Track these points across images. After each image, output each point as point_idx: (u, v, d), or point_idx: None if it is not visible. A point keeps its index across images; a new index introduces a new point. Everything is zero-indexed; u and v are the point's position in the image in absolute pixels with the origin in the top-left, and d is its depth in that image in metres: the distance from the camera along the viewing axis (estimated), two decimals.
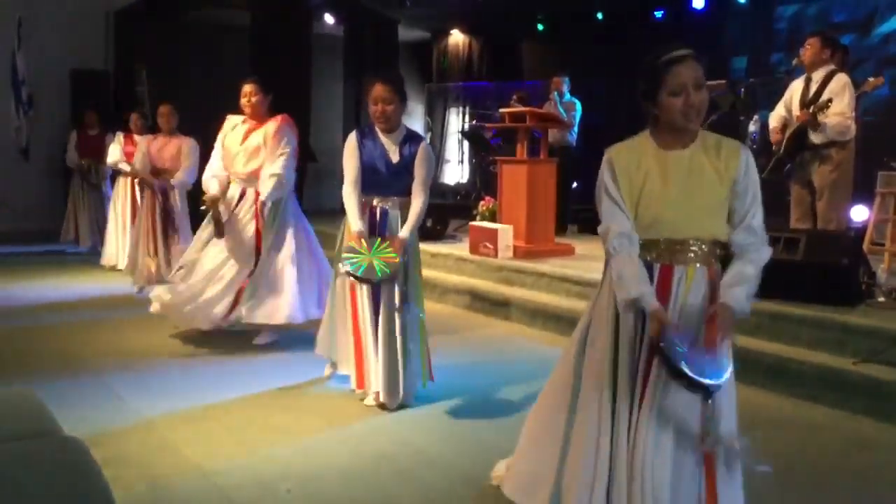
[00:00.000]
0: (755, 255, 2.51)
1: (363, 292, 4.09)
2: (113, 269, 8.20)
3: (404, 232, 4.07)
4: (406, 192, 4.13)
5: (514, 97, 9.36)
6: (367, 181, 4.12)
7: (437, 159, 14.04)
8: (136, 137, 7.96)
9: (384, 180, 4.11)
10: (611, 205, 2.55)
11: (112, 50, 11.79)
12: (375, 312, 4.08)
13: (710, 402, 2.44)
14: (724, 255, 2.57)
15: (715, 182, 2.49)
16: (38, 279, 7.81)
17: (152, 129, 7.68)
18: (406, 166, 4.09)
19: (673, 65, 2.45)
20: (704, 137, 2.55)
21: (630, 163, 2.55)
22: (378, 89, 4.05)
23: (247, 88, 5.19)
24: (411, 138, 4.14)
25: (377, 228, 4.11)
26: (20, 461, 1.38)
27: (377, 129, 4.13)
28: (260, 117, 5.22)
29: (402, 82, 4.17)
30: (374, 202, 4.14)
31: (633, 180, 2.53)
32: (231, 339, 5.47)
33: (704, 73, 2.48)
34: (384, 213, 4.13)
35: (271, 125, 5.17)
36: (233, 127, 5.30)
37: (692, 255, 2.52)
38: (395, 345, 4.04)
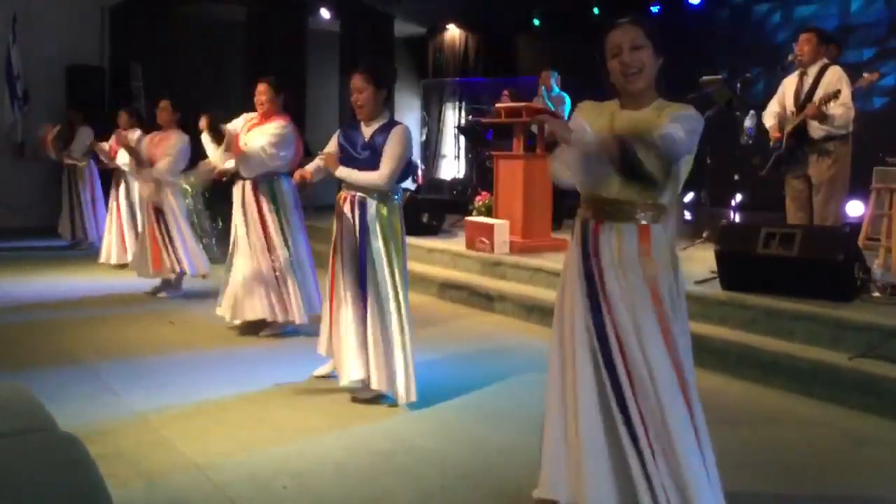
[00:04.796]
0: (666, 128, 2.43)
1: (340, 264, 4.13)
2: (112, 265, 8.20)
3: (340, 171, 4.11)
4: None
5: (505, 93, 9.36)
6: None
7: (433, 155, 14.04)
8: (126, 133, 8.02)
9: (358, 168, 4.11)
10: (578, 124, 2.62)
11: (107, 45, 11.77)
12: (360, 290, 4.08)
13: None
14: (657, 214, 2.60)
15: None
16: (32, 275, 7.79)
17: (148, 124, 7.66)
18: (377, 153, 4.05)
19: (609, 31, 2.59)
20: (661, 104, 2.60)
21: (591, 114, 2.69)
22: (353, 79, 4.12)
23: (259, 87, 5.30)
24: (388, 126, 4.09)
25: (355, 218, 4.08)
26: (14, 457, 1.38)
27: (359, 119, 4.17)
28: (268, 115, 5.32)
29: (379, 70, 4.14)
30: (353, 192, 4.13)
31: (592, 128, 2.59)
32: (226, 334, 5.47)
33: (649, 34, 2.55)
34: (362, 202, 4.09)
35: (270, 126, 5.26)
36: (248, 121, 5.43)
37: (622, 214, 2.60)
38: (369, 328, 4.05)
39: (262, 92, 5.27)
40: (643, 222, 2.58)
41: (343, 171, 4.11)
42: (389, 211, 4.09)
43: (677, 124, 2.43)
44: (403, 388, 4.00)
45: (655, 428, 2.49)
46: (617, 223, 2.60)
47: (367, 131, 4.12)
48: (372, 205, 4.07)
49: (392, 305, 4.03)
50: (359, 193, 4.10)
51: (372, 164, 4.05)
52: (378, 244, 4.04)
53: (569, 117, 8.90)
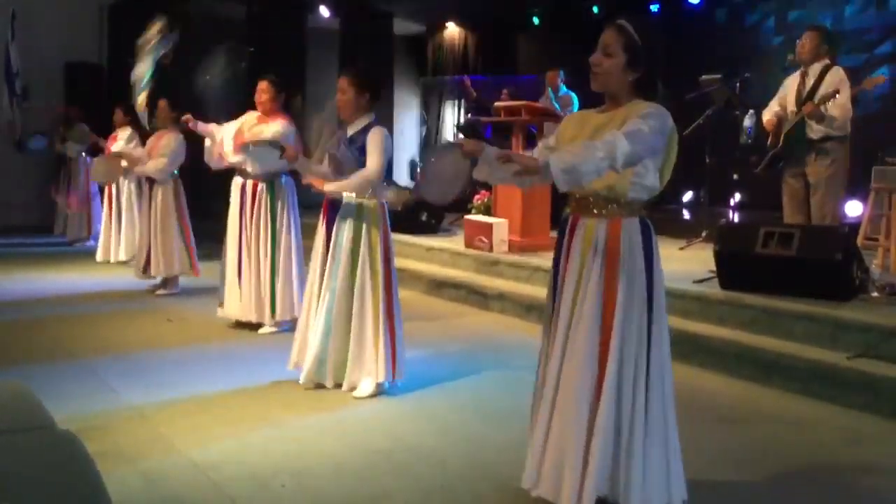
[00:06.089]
0: (612, 136, 2.46)
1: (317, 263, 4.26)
2: (107, 262, 8.22)
3: (328, 186, 4.20)
4: None
5: (504, 92, 9.34)
6: (331, 171, 4.28)
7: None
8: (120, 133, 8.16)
9: (339, 169, 4.21)
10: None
11: (106, 43, 11.75)
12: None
13: None
14: (630, 209, 2.66)
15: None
16: (30, 272, 7.78)
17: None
18: (357, 155, 4.15)
19: (604, 27, 2.65)
20: (633, 105, 2.62)
21: (570, 123, 2.80)
22: (339, 80, 4.24)
23: (261, 85, 5.33)
24: (368, 128, 4.18)
25: (329, 217, 4.23)
26: (12, 455, 1.37)
27: (342, 118, 4.30)
28: (269, 114, 5.34)
29: (363, 74, 4.23)
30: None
31: (561, 137, 2.75)
32: (224, 331, 5.47)
33: (626, 46, 2.58)
34: (336, 201, 4.21)
35: (274, 124, 5.27)
36: (252, 119, 5.42)
37: (593, 207, 2.66)
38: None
39: (263, 90, 5.31)
40: (615, 217, 2.63)
41: (331, 186, 4.21)
42: (367, 209, 4.16)
43: (620, 132, 2.48)
44: (359, 380, 4.16)
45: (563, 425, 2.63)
46: (590, 218, 2.67)
47: (350, 130, 4.25)
48: (347, 204, 4.18)
49: (358, 303, 4.13)
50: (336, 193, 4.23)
51: (351, 161, 4.16)
52: (346, 243, 4.14)
53: None
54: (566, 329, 2.67)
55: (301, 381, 4.22)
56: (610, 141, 2.40)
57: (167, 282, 6.84)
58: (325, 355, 4.20)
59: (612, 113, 2.65)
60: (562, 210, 8.50)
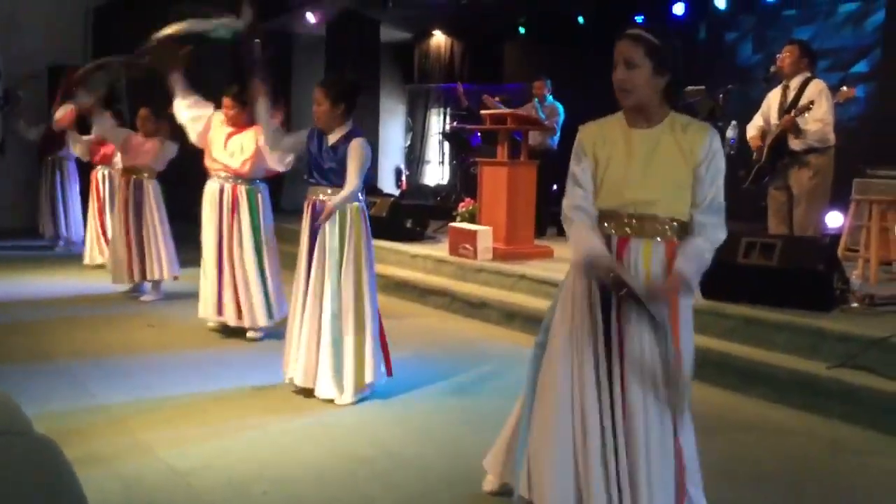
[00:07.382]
0: (713, 233, 2.56)
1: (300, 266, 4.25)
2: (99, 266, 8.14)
3: (331, 201, 4.17)
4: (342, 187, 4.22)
5: (497, 98, 9.36)
6: (311, 177, 4.30)
7: (418, 160, 14.03)
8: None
9: (322, 175, 4.24)
10: (571, 180, 2.66)
11: (90, 46, 11.69)
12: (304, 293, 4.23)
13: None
14: (682, 230, 2.60)
15: (679, 161, 2.53)
16: (11, 275, 7.72)
17: (132, 127, 7.62)
18: (338, 161, 4.19)
19: (616, 40, 2.56)
20: (674, 119, 2.58)
21: (597, 138, 2.64)
22: (314, 91, 4.24)
23: (225, 102, 5.36)
24: (347, 137, 4.21)
25: (312, 220, 4.23)
26: None
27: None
28: (237, 126, 5.38)
29: (336, 86, 4.25)
30: (317, 195, 4.26)
31: (598, 155, 2.61)
32: (206, 337, 5.44)
33: (649, 52, 2.49)
34: (320, 205, 4.22)
35: (252, 132, 5.26)
36: (219, 122, 5.42)
37: (651, 229, 2.56)
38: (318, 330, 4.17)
39: (228, 107, 5.35)
40: (671, 237, 2.56)
41: (330, 204, 4.16)
42: (350, 212, 4.19)
43: (713, 213, 2.55)
44: (329, 388, 4.14)
45: (633, 462, 2.52)
46: (645, 238, 2.56)
47: (331, 139, 4.25)
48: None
49: (334, 305, 4.13)
50: (319, 198, 4.24)
51: (335, 171, 4.19)
52: (333, 245, 4.16)
53: (562, 127, 8.64)
54: (639, 351, 2.53)
55: (322, 395, 4.17)
56: (714, 240, 2.56)
57: (151, 286, 6.78)
58: (341, 367, 4.17)
59: (657, 131, 2.56)
60: (546, 219, 8.43)
